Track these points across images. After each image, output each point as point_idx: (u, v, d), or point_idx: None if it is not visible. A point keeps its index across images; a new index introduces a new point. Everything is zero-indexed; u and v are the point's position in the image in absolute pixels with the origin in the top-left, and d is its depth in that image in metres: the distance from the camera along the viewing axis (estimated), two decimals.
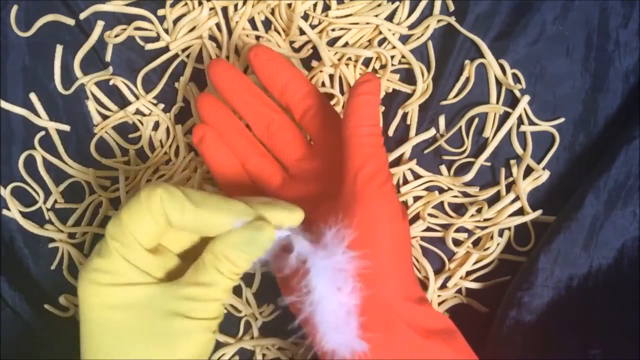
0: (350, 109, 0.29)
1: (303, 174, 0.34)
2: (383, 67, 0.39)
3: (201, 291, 0.27)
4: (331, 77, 0.39)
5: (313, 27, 0.39)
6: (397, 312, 0.28)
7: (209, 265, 0.27)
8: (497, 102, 0.38)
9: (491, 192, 0.38)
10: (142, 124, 0.39)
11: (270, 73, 0.33)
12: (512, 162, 0.38)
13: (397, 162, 0.38)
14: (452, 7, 0.38)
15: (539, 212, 0.37)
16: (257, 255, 0.27)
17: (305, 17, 0.39)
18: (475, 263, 0.38)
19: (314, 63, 0.39)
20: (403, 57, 0.39)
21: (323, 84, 0.38)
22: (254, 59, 0.33)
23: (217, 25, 0.39)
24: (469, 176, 0.38)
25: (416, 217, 0.38)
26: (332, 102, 0.38)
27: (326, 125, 0.33)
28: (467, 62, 0.38)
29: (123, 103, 0.39)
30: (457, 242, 0.38)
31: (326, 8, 0.39)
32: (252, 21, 0.39)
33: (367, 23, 0.38)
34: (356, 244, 0.29)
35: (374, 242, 0.29)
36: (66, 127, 0.39)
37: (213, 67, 0.34)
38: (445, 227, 0.38)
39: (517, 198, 0.38)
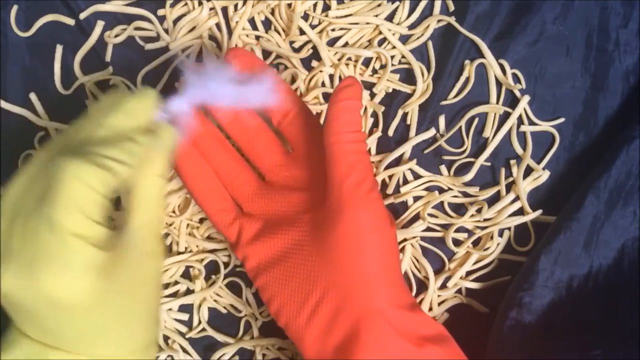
0: (332, 115, 0.29)
1: (281, 181, 0.33)
2: (383, 67, 0.39)
3: (151, 227, 0.29)
4: (331, 77, 0.39)
5: (313, 27, 0.39)
6: (388, 321, 0.28)
7: (151, 201, 0.29)
8: (497, 102, 0.38)
9: (491, 192, 0.38)
10: None
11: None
12: (512, 162, 0.38)
13: (397, 162, 0.38)
14: (452, 7, 0.38)
15: (539, 212, 0.37)
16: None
17: (305, 17, 0.39)
18: (475, 263, 0.38)
19: (314, 63, 0.39)
20: (403, 57, 0.39)
21: (323, 84, 0.38)
22: (231, 61, 0.32)
23: (217, 25, 0.39)
24: (469, 176, 0.38)
25: (416, 217, 0.38)
26: None
27: (305, 131, 0.32)
28: (467, 62, 0.38)
29: None
30: (457, 242, 0.38)
31: (326, 8, 0.39)
32: (252, 21, 0.39)
33: (367, 23, 0.38)
34: (347, 254, 0.29)
35: (362, 251, 0.28)
36: (66, 127, 0.39)
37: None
38: (445, 227, 0.38)
39: (517, 198, 0.38)
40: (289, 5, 0.38)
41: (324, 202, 0.30)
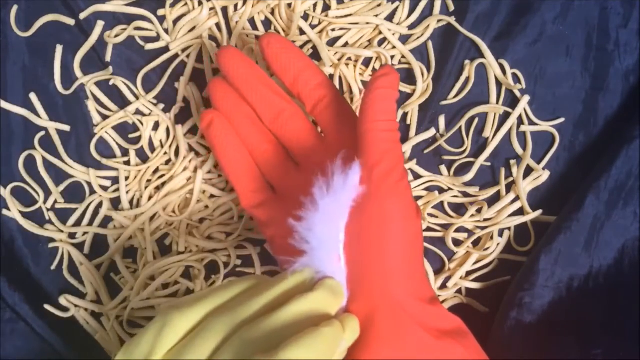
0: (368, 102, 0.29)
1: (313, 165, 0.33)
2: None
3: None
4: (331, 77, 0.39)
5: (313, 27, 0.39)
6: (408, 312, 0.28)
7: None
8: (497, 102, 0.38)
9: (491, 192, 0.38)
10: (142, 124, 0.39)
11: (283, 62, 0.33)
12: (512, 162, 0.38)
13: None
14: (452, 7, 0.38)
15: (539, 212, 0.37)
16: None
17: (305, 17, 0.39)
18: (475, 263, 0.38)
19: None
20: (403, 57, 0.39)
21: None
22: (266, 47, 0.33)
23: (217, 25, 0.39)
24: (469, 176, 0.38)
25: None
26: None
27: (338, 118, 0.32)
28: (467, 62, 0.38)
29: (123, 103, 0.39)
30: (457, 242, 0.38)
31: (326, 8, 0.39)
32: (252, 21, 0.39)
33: (367, 23, 0.38)
34: (369, 241, 0.28)
35: (387, 240, 0.28)
36: (66, 127, 0.39)
37: (223, 54, 0.33)
38: (445, 227, 0.38)
39: (517, 198, 0.38)
40: (289, 5, 0.38)
41: None
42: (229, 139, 0.34)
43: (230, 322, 0.25)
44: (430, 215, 0.38)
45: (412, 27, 0.39)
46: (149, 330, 0.25)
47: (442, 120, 0.38)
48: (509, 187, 0.38)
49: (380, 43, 0.39)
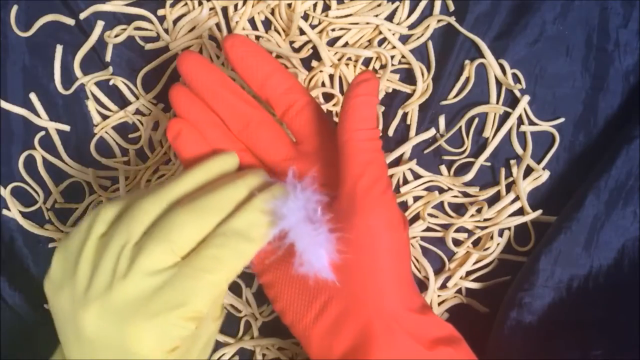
0: (348, 111, 0.28)
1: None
2: (383, 67, 0.39)
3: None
4: (331, 77, 0.39)
5: (313, 27, 0.39)
6: (399, 324, 0.28)
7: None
8: (497, 102, 0.38)
9: (491, 192, 0.38)
10: (142, 124, 0.39)
11: (248, 66, 0.31)
12: (512, 162, 0.38)
13: (397, 162, 0.38)
14: (452, 7, 0.38)
15: (539, 212, 0.37)
16: None
17: (305, 17, 0.39)
18: (475, 263, 0.38)
19: (314, 63, 0.39)
20: (403, 57, 0.39)
21: (323, 84, 0.38)
22: (230, 50, 0.30)
23: (217, 25, 0.39)
24: (469, 176, 0.38)
25: (416, 217, 0.38)
26: (332, 102, 0.38)
27: (312, 123, 0.31)
28: (467, 62, 0.38)
29: (123, 103, 0.40)
30: (457, 242, 0.38)
31: (326, 8, 0.39)
32: (252, 21, 0.39)
33: (367, 23, 0.38)
34: (357, 256, 0.28)
35: (374, 253, 0.28)
36: (66, 127, 0.39)
37: (183, 61, 0.31)
38: (445, 227, 0.38)
39: (517, 198, 0.38)
40: (289, 5, 0.38)
41: (335, 200, 0.29)
42: (200, 151, 0.32)
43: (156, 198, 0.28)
44: (430, 215, 0.38)
45: (412, 27, 0.39)
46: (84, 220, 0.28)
47: (442, 120, 0.38)
48: (509, 187, 0.38)
49: (380, 43, 0.39)
